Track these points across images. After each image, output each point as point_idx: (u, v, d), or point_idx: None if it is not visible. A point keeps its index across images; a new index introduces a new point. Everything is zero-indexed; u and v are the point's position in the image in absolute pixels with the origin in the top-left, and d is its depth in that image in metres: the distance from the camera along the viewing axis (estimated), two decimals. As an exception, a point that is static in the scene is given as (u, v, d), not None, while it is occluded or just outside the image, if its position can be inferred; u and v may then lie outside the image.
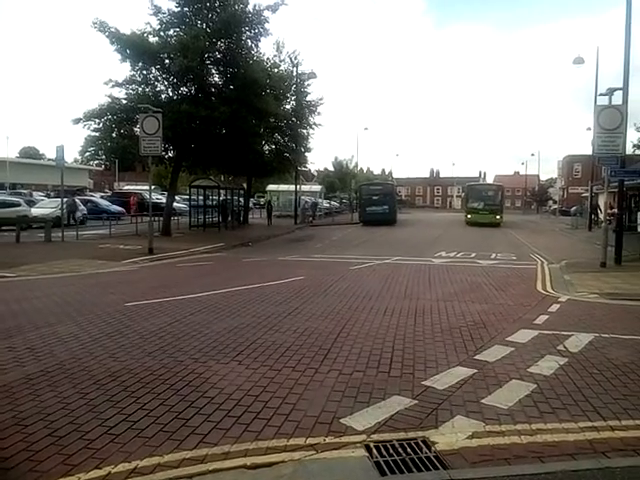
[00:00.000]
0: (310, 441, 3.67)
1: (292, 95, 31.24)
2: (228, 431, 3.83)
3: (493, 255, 17.23)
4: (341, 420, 3.99)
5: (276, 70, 28.61)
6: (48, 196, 37.28)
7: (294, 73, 31.03)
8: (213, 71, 22.78)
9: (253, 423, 3.96)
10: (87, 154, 23.34)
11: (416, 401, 4.38)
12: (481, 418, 4.07)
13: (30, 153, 78.61)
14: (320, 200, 46.42)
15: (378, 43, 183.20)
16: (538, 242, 21.81)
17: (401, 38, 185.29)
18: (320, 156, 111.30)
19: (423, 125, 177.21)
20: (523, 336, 6.57)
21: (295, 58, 30.79)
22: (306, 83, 32.04)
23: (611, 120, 13.16)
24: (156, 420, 3.99)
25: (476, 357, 5.68)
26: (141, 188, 42.77)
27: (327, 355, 5.69)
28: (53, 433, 3.77)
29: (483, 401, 4.41)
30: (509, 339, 6.42)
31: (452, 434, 3.80)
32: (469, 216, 37.72)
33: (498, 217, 36.70)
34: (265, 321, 7.24)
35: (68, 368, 5.16)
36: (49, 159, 58.22)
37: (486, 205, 37.76)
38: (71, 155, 50.00)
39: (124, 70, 23.02)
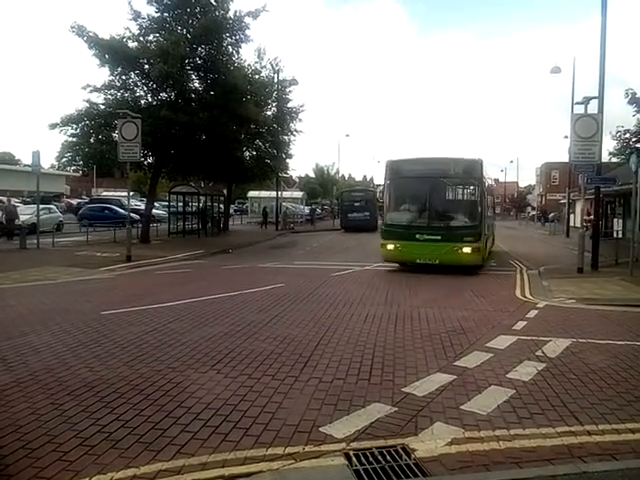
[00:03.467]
0: (289, 450, 3.63)
1: (273, 102, 31.19)
2: (206, 441, 3.77)
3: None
4: (320, 429, 3.96)
5: (257, 76, 28.57)
6: (24, 202, 36.53)
7: (275, 80, 31.00)
8: (193, 77, 22.63)
9: (231, 433, 3.90)
10: (64, 160, 22.95)
11: (396, 408, 4.37)
12: (460, 424, 4.08)
13: (5, 159, 77.06)
14: (301, 207, 46.40)
15: (360, 51, 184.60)
16: (517, 248, 22.10)
17: (383, 46, 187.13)
18: (301, 163, 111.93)
19: (404, 132, 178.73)
20: (502, 342, 6.62)
21: (276, 65, 30.76)
22: (287, 90, 32.02)
23: (587, 128, 13.43)
24: (132, 431, 3.91)
25: (455, 363, 5.70)
26: (119, 194, 42.21)
27: (307, 363, 5.66)
28: (26, 445, 3.67)
29: (462, 407, 4.42)
30: (488, 345, 6.47)
31: (431, 441, 3.80)
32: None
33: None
34: (244, 329, 7.17)
35: (42, 379, 5.04)
36: (25, 165, 57.15)
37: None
38: (48, 161, 49.17)
39: (103, 75, 22.76)
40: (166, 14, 21.56)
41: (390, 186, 14.79)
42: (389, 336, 6.96)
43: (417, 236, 13.83)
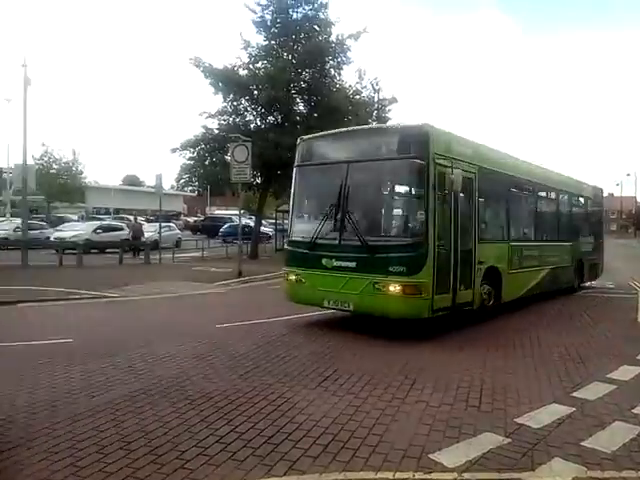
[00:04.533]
0: (399, 475, 3.62)
1: (373, 120, 31.47)
2: (316, 459, 3.87)
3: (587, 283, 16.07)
4: (430, 455, 3.91)
5: (358, 97, 29.03)
6: (147, 221, 39.82)
7: (375, 99, 31.30)
8: (298, 100, 23.54)
9: (341, 453, 3.97)
10: (182, 181, 24.93)
11: (509, 439, 4.20)
12: (581, 462, 3.82)
13: (132, 181, 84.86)
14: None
15: (458, 62, 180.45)
16: (638, 269, 20.15)
17: (485, 57, 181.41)
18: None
19: (505, 140, 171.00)
20: (625, 373, 6.10)
21: (377, 84, 31.07)
22: (387, 108, 32.16)
23: None
24: (247, 443, 4.12)
25: (574, 394, 5.34)
26: (230, 213, 44.60)
27: (413, 385, 5.61)
28: (152, 451, 3.98)
29: (583, 443, 4.14)
30: (609, 376, 5.99)
31: (550, 477, 3.61)
32: None
33: None
34: (350, 344, 7.27)
35: (165, 387, 5.47)
36: (148, 186, 62.54)
37: None
38: (168, 182, 53.64)
39: (217, 102, 24.21)
40: (273, 42, 22.75)
41: (296, 178, 9.42)
42: (498, 361, 6.70)
43: (323, 261, 8.31)
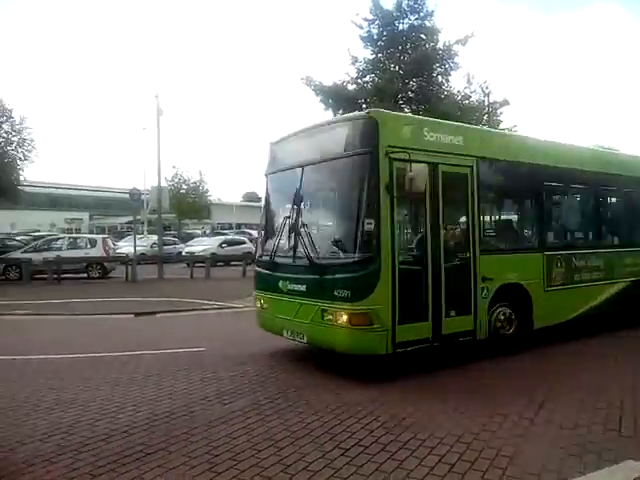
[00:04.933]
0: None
1: (484, 125, 30.40)
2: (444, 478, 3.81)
3: None
4: (566, 482, 3.68)
5: (467, 102, 28.23)
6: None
7: (485, 102, 30.22)
8: (406, 110, 23.45)
9: (468, 474, 3.88)
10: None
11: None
12: None
13: (251, 197, 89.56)
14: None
15: (571, 60, 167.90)
16: None
17: (601, 55, 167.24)
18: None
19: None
20: None
21: (486, 87, 29.99)
22: (499, 111, 30.86)
23: None
24: (372, 458, 4.14)
25: None
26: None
27: (543, 405, 5.31)
28: (281, 460, 4.15)
29: None
30: None
31: None
32: None
33: None
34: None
35: (290, 397, 5.71)
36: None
37: None
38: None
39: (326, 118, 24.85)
40: (380, 55, 22.91)
41: (265, 188, 8.29)
42: (638, 379, 6.13)
43: (280, 284, 7.20)
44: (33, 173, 54.30)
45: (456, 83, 43.23)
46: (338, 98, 22.40)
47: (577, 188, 9.59)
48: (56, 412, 5.36)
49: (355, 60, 22.96)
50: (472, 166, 7.24)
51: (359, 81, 23.00)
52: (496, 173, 7.89)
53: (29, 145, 24.97)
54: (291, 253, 7.00)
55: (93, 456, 4.27)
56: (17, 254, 21.41)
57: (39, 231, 39.48)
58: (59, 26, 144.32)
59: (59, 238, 24.62)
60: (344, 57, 25.34)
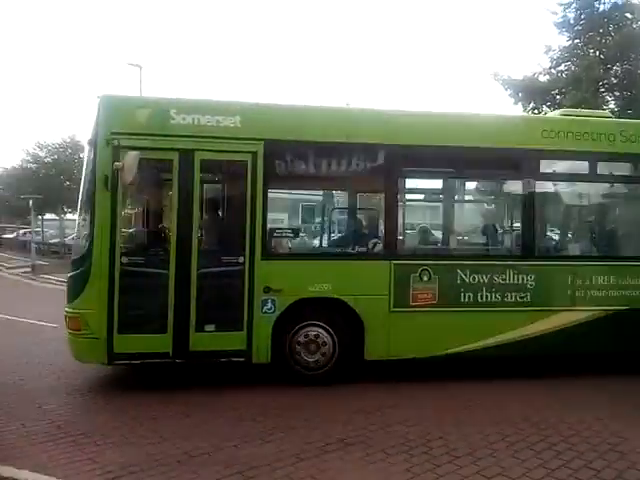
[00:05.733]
0: None
1: None
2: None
3: None
4: None
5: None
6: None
7: None
8: (608, 98, 21.94)
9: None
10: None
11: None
12: None
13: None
14: None
15: None
16: None
17: None
18: None
19: None
20: None
21: None
22: None
23: None
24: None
25: None
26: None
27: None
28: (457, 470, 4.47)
29: None
30: None
31: None
32: None
33: None
34: None
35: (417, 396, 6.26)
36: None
37: None
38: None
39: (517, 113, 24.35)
40: (577, 40, 21.72)
41: None
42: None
43: None
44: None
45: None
46: (529, 91, 21.93)
47: (442, 172, 7.45)
48: None
49: (548, 49, 22.16)
50: (255, 152, 6.23)
51: (552, 71, 22.18)
52: (298, 159, 6.54)
53: None
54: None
55: None
56: None
57: None
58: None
59: None
60: (533, 48, 24.40)
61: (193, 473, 4.32)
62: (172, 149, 6.05)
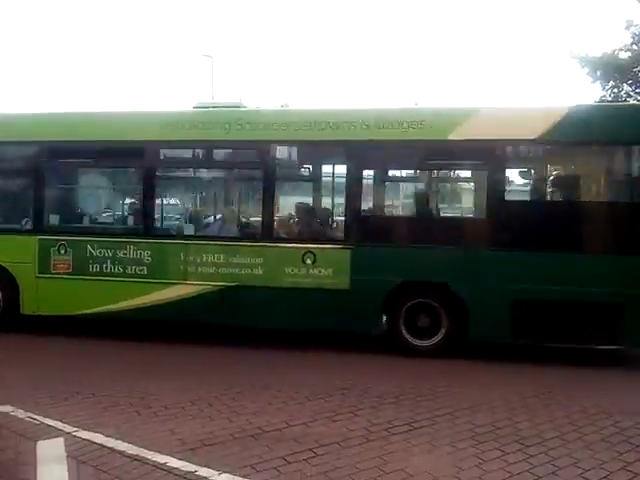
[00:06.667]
0: None
1: None
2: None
3: None
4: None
5: None
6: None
7: None
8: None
9: None
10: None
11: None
12: None
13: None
14: None
15: None
16: None
17: None
18: None
19: None
20: None
21: None
22: None
23: None
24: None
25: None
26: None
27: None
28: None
29: None
30: None
31: None
32: None
33: None
34: None
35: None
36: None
37: None
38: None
39: (594, 92, 22.98)
40: (663, 13, 20.18)
41: None
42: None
43: None
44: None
45: None
46: (608, 68, 20.60)
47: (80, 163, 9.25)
48: None
49: (630, 24, 20.65)
50: None
51: (635, 47, 20.69)
52: None
53: None
54: None
55: None
56: None
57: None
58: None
59: None
60: (614, 23, 22.95)
61: (267, 447, 4.55)
62: None
